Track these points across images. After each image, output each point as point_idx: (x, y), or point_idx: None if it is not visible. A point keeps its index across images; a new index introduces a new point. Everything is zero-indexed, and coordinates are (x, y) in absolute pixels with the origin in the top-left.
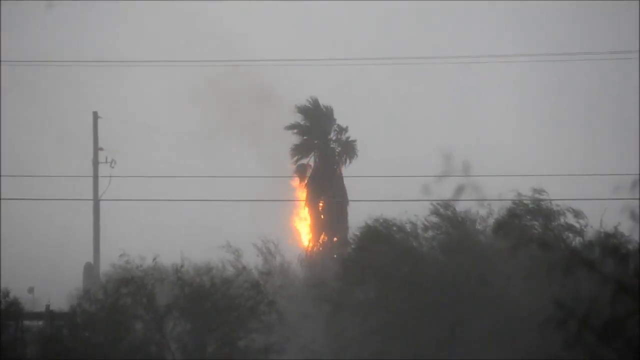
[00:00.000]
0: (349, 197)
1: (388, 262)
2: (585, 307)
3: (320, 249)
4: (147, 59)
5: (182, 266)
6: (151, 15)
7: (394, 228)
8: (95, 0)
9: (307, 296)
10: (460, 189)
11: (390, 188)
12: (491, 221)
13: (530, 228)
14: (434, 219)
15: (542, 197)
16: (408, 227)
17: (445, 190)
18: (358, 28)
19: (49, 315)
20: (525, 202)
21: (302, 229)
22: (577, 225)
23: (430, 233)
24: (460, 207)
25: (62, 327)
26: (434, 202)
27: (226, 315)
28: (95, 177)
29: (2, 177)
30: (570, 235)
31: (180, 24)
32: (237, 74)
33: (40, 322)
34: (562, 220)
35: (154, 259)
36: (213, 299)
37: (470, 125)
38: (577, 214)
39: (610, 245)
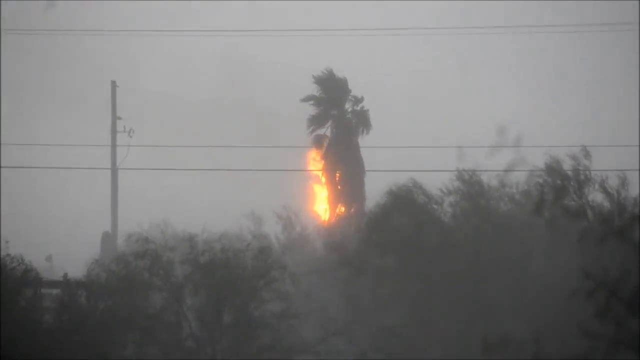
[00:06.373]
0: (366, 168)
1: (412, 228)
2: (614, 277)
3: (338, 219)
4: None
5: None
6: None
7: (418, 193)
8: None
9: (326, 264)
10: (491, 155)
11: (407, 159)
12: (518, 190)
13: (567, 196)
14: (457, 184)
15: (576, 165)
16: (429, 195)
17: (474, 158)
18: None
19: (67, 283)
20: (559, 170)
21: (320, 200)
22: (605, 195)
23: (452, 199)
24: (487, 176)
25: (80, 295)
26: (457, 170)
27: (238, 284)
28: (114, 146)
29: (20, 146)
30: (601, 204)
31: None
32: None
33: (58, 290)
34: (590, 189)
35: (162, 231)
36: (225, 269)
37: (488, 96)
38: (605, 184)
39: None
